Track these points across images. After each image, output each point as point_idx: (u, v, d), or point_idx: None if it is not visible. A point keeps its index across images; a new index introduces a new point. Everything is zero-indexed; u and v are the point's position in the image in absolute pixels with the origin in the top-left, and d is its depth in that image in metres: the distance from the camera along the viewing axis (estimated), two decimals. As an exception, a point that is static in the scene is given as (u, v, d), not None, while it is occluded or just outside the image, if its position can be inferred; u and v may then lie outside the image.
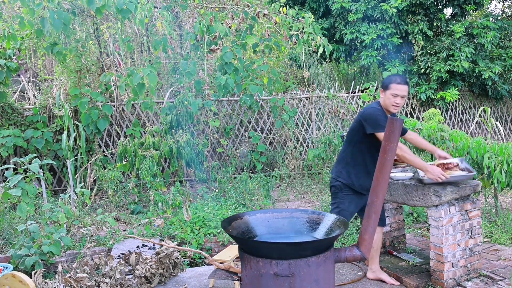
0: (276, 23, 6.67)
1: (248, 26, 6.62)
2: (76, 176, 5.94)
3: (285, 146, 7.61)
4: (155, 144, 5.89)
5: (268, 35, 6.60)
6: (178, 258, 3.72)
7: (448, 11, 10.01)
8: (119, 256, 3.99)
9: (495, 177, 4.36)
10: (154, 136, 6.25)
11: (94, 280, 3.27)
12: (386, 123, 3.01)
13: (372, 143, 3.23)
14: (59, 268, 3.34)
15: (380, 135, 3.10)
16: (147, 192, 5.73)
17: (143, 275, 3.44)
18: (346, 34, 8.75)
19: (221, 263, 3.46)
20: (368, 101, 7.80)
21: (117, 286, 3.26)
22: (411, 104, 9.27)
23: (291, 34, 6.65)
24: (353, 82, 9.46)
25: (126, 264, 3.60)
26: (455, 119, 9.56)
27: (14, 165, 4.94)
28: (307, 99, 7.86)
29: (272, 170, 7.23)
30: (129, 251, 4.02)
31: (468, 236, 3.38)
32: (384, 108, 3.27)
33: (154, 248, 4.23)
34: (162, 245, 3.97)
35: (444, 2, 9.37)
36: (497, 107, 10.12)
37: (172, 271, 3.70)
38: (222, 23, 6.28)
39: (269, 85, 7.27)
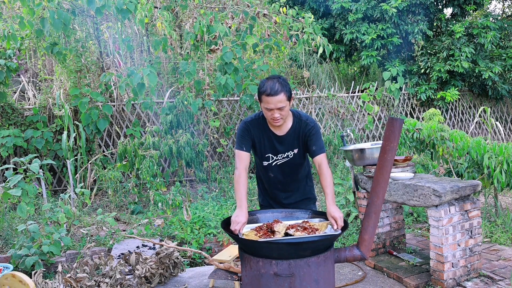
0: (276, 23, 6.68)
1: (248, 26, 6.62)
2: (76, 176, 5.94)
3: (285, 146, 7.59)
4: (155, 144, 5.89)
5: (268, 35, 6.60)
6: (178, 258, 3.72)
7: (448, 11, 10.02)
8: (119, 256, 3.99)
9: (495, 177, 4.36)
10: (154, 136, 6.25)
11: (94, 280, 3.27)
12: (241, 140, 2.65)
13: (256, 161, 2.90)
14: (59, 268, 3.34)
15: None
16: (147, 192, 5.73)
17: (143, 275, 3.44)
18: (346, 34, 8.76)
19: (221, 263, 3.46)
20: (368, 101, 7.81)
21: (117, 286, 3.26)
22: (411, 104, 9.27)
23: (291, 34, 6.65)
24: (353, 82, 9.46)
25: (126, 264, 3.59)
26: (455, 119, 9.56)
27: (14, 165, 4.94)
28: (307, 99, 7.86)
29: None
30: (129, 251, 4.02)
31: (468, 236, 3.38)
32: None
33: (154, 248, 4.23)
34: (162, 245, 3.97)
35: (444, 2, 9.38)
36: (497, 107, 10.12)
37: (172, 271, 3.70)
38: (222, 23, 6.28)
39: (269, 85, 7.25)
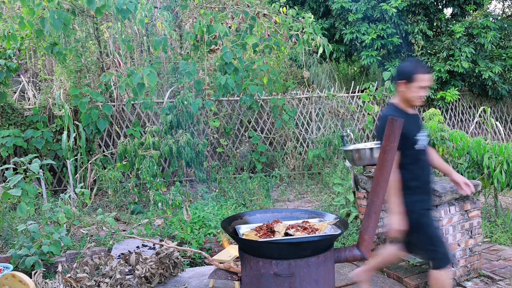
0: (276, 23, 6.68)
1: (248, 26, 6.62)
2: (76, 176, 5.94)
3: (285, 146, 7.61)
4: (155, 144, 5.88)
5: (268, 35, 6.60)
6: (178, 258, 3.72)
7: (448, 11, 10.01)
8: (119, 256, 3.99)
9: (495, 177, 4.36)
10: (154, 136, 6.25)
11: (94, 280, 3.27)
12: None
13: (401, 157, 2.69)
14: (59, 268, 3.34)
15: None
16: (147, 192, 5.72)
17: (143, 275, 3.44)
18: (346, 34, 8.75)
19: (221, 263, 3.46)
20: (368, 101, 7.80)
21: (117, 286, 3.26)
22: (411, 104, 9.26)
23: (291, 34, 6.65)
24: (353, 82, 9.45)
25: (126, 264, 3.59)
26: (455, 119, 9.56)
27: (14, 165, 4.94)
28: (307, 99, 7.86)
29: (272, 170, 7.23)
30: (129, 251, 4.02)
31: (468, 236, 3.38)
32: (404, 104, 2.75)
33: (154, 248, 4.23)
34: (162, 245, 3.96)
35: (444, 2, 9.37)
36: (497, 107, 10.12)
37: (172, 271, 3.70)
38: (222, 23, 6.28)
39: (269, 85, 7.27)
